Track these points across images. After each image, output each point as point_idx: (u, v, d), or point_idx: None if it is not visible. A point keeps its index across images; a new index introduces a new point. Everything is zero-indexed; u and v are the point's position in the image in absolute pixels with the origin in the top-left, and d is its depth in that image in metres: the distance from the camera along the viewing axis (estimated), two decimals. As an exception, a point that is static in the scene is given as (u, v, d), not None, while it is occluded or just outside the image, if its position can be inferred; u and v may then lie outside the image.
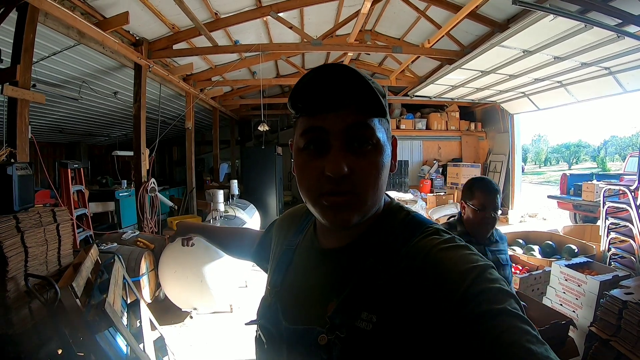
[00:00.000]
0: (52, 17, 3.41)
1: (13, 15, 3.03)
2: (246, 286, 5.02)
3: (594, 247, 4.06)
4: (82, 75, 5.49)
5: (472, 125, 10.82)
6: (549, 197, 8.55)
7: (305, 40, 5.83)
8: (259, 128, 8.10)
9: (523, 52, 5.08)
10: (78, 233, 4.08)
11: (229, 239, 1.27)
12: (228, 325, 3.98)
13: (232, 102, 10.13)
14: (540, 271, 3.22)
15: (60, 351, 2.12)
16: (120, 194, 7.72)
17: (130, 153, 5.50)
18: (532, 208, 10.60)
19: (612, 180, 7.36)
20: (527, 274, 3.17)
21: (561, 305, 2.88)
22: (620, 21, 3.93)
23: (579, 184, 7.63)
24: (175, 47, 5.49)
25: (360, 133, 0.63)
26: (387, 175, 0.67)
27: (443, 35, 5.67)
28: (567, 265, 2.92)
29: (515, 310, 0.50)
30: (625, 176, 7.46)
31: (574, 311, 2.77)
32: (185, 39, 5.39)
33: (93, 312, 2.06)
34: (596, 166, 32.58)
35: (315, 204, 0.65)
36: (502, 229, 3.95)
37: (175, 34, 5.32)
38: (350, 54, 6.76)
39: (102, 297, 2.38)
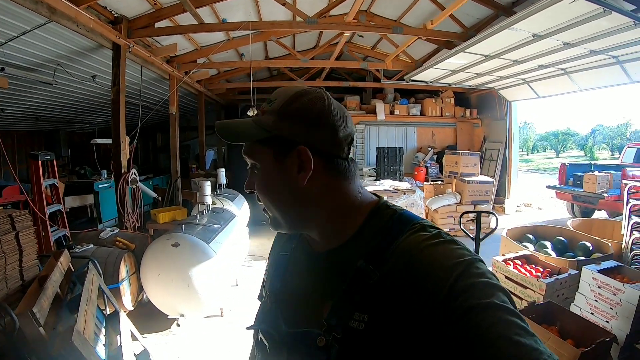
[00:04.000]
0: (17, -11, 2.96)
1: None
2: (237, 285, 4.71)
3: (610, 244, 3.82)
4: (56, 57, 5.03)
5: (467, 112, 10.58)
6: (548, 187, 8.50)
7: (299, 18, 5.40)
8: (247, 113, 7.62)
9: (533, 36, 4.79)
10: (52, 232, 3.75)
11: None
12: (219, 331, 3.67)
13: (219, 85, 9.73)
14: (566, 274, 2.91)
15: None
16: (100, 186, 7.26)
17: (110, 141, 5.04)
18: (526, 197, 10.49)
19: (611, 172, 7.20)
20: (552, 279, 2.86)
21: (592, 314, 2.61)
22: (635, 7, 3.71)
23: (579, 174, 7.50)
24: (157, 25, 5.00)
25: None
26: (285, 190, 0.70)
27: (446, 17, 5.32)
28: (599, 271, 2.64)
29: (503, 303, 0.51)
30: (626, 168, 7.29)
31: (607, 321, 2.51)
32: (169, 17, 4.92)
33: (59, 342, 1.71)
34: (584, 154, 32.90)
35: None
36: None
37: (157, 11, 4.85)
38: (347, 33, 6.33)
39: (72, 316, 2.03)
